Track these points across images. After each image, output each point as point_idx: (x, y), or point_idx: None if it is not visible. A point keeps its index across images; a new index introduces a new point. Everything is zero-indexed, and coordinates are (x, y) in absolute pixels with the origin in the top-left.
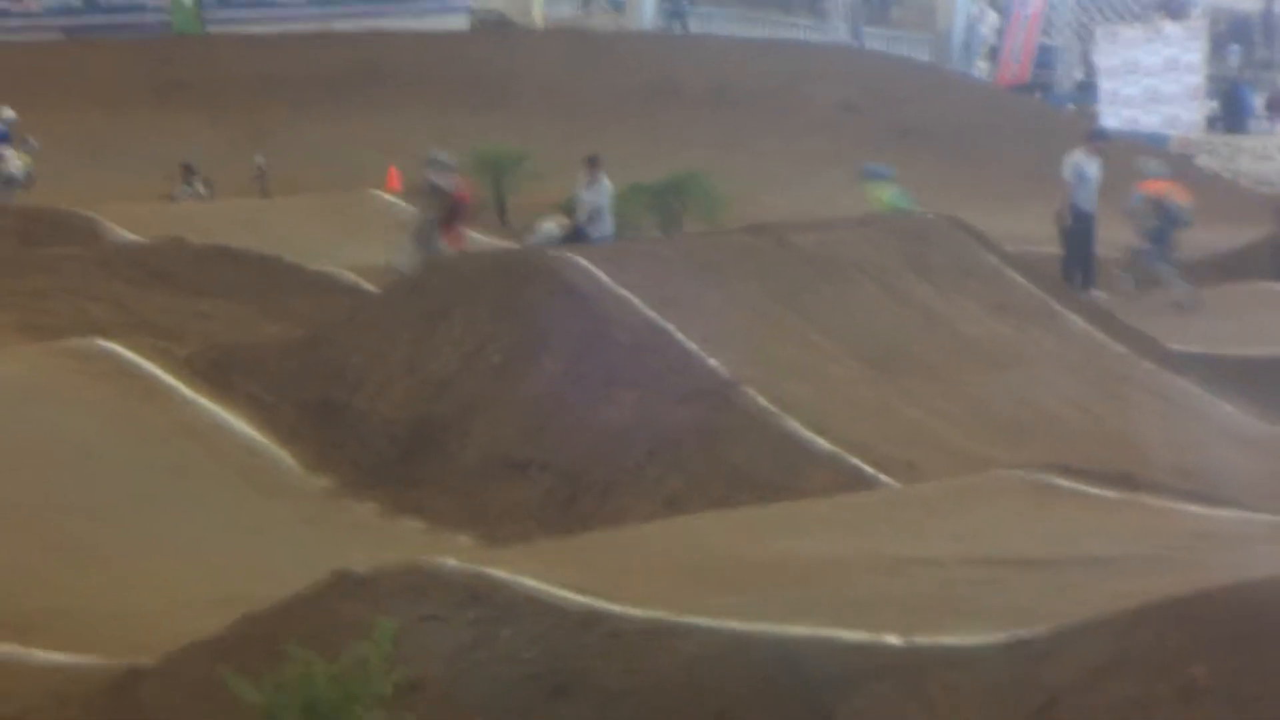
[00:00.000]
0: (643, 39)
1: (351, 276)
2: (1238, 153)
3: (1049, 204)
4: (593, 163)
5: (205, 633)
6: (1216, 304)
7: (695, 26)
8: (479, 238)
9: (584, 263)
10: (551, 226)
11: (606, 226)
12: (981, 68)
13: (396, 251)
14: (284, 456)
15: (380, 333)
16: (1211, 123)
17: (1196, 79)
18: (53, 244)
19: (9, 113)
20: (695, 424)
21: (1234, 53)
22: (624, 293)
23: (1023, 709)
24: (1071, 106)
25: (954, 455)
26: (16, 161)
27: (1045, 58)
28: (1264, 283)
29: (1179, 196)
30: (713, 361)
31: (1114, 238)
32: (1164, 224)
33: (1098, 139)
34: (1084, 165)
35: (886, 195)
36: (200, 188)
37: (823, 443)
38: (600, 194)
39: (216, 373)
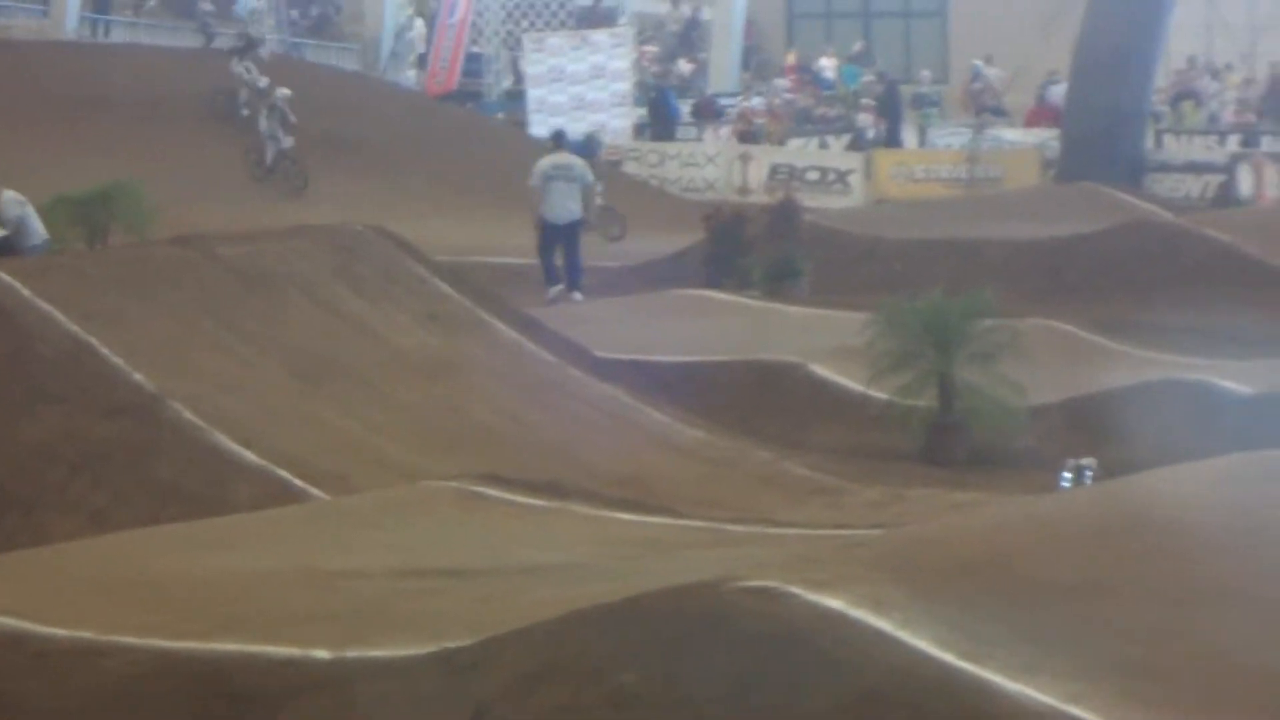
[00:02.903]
0: (68, 48)
1: None
2: (666, 159)
3: (479, 211)
4: None
5: None
6: (645, 310)
7: (119, 35)
8: None
9: (2, 277)
10: None
11: (35, 238)
12: (410, 76)
13: None
14: None
15: None
16: (640, 129)
17: (624, 86)
18: None
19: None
20: (121, 439)
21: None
22: (46, 307)
23: (452, 719)
24: (501, 115)
25: (386, 467)
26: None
27: (474, 66)
28: (693, 289)
29: None
30: (138, 376)
31: None
32: None
33: (561, 144)
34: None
35: None
36: None
37: (251, 456)
38: (12, 208)
39: None
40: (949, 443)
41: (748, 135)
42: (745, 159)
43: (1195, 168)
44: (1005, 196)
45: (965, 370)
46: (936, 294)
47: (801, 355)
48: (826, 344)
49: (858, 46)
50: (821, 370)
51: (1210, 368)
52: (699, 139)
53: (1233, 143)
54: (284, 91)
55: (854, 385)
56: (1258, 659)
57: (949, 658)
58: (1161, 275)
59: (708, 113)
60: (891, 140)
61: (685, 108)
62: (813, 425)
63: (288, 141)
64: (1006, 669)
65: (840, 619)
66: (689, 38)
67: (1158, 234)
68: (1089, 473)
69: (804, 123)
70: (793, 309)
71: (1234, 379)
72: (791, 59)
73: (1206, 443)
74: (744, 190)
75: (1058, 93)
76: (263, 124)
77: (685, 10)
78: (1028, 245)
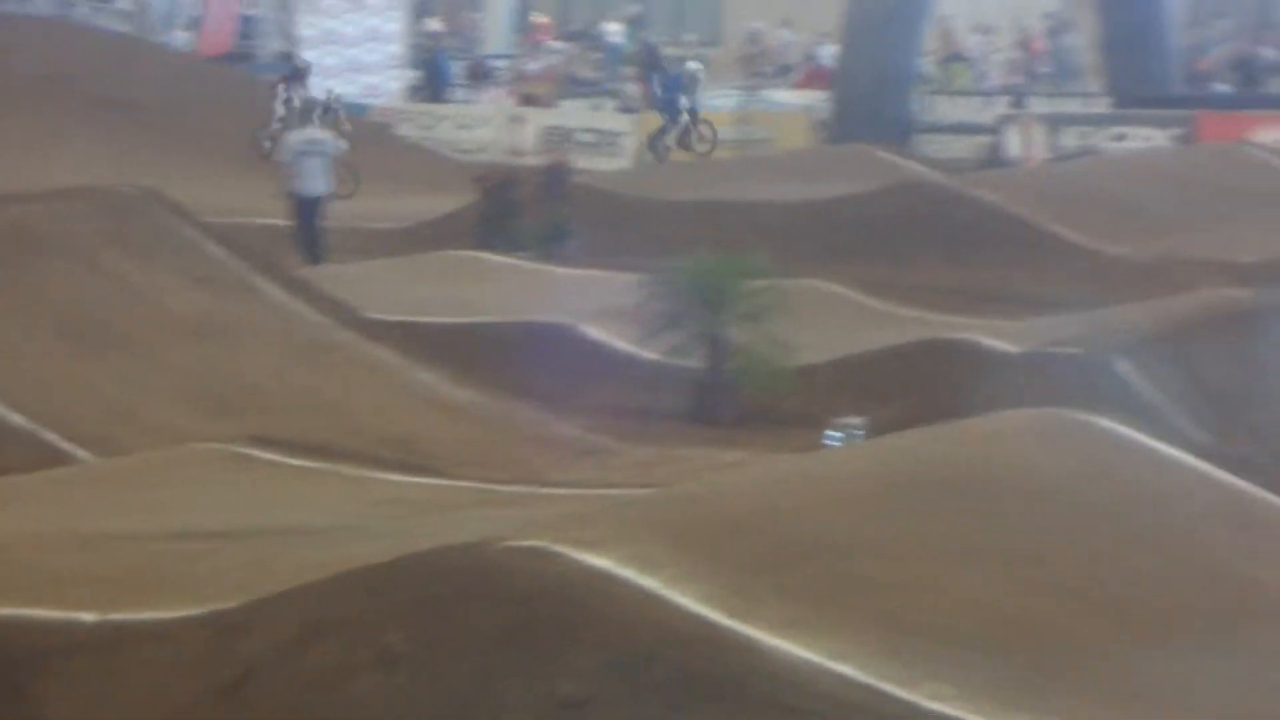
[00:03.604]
0: None
1: None
2: (439, 121)
3: (251, 174)
4: None
5: None
6: (416, 272)
7: None
8: None
9: None
10: None
11: None
12: (183, 38)
13: None
14: None
15: None
16: (413, 92)
17: (396, 48)
18: None
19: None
20: None
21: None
22: None
23: (220, 681)
24: (275, 77)
25: (156, 430)
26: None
27: (247, 27)
28: (464, 251)
29: None
30: None
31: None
32: None
33: (309, 118)
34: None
35: None
36: None
37: (18, 419)
38: None
39: None
40: (718, 403)
41: (532, 98)
42: (518, 121)
43: (964, 129)
44: (777, 158)
45: (735, 330)
46: (707, 255)
47: (572, 316)
48: (598, 305)
49: (634, 10)
50: (592, 331)
51: (978, 327)
52: (473, 101)
53: (1001, 104)
54: (338, 94)
55: (624, 346)
56: (1018, 610)
57: (715, 615)
58: (930, 236)
59: (480, 75)
60: (653, 103)
61: (459, 70)
62: (583, 386)
63: (340, 144)
64: (772, 626)
65: (607, 578)
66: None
67: (927, 195)
68: (857, 432)
69: (575, 85)
70: (564, 271)
71: (1000, 338)
72: (543, 20)
73: (973, 401)
74: (517, 152)
75: (828, 54)
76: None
77: None
78: (799, 206)
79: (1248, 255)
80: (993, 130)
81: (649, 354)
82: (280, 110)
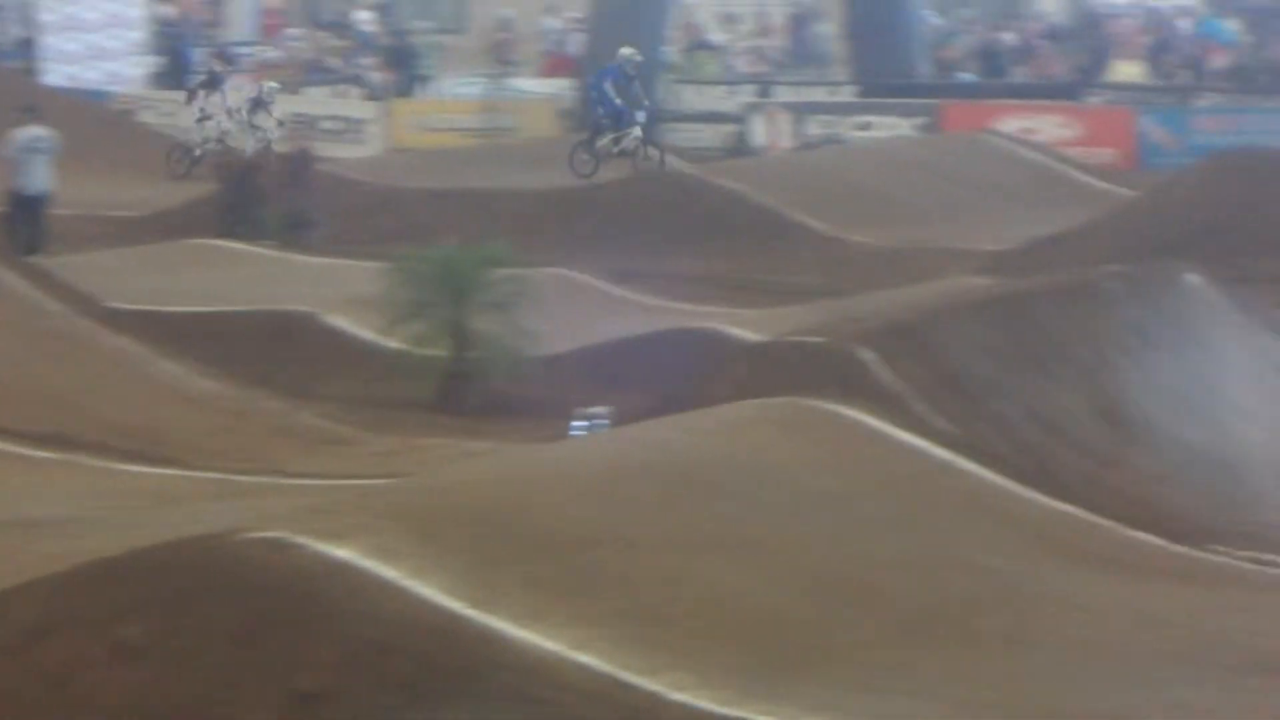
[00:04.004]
0: None
1: None
2: (180, 109)
3: None
4: None
5: None
6: (158, 260)
7: None
8: None
9: None
10: None
11: None
12: None
13: None
14: None
15: None
16: (155, 79)
17: (139, 35)
18: None
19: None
20: None
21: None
22: None
23: None
24: (16, 63)
25: None
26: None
27: None
28: (207, 239)
29: None
30: None
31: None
32: None
33: (31, 113)
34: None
35: None
36: None
37: None
38: None
39: None
40: (462, 392)
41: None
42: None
43: (710, 117)
44: (523, 146)
45: (479, 319)
46: (451, 243)
47: (315, 305)
48: (341, 294)
49: None
50: (335, 320)
51: (722, 316)
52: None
53: (747, 93)
54: (271, 84)
55: (367, 335)
56: (761, 602)
57: (456, 606)
58: (676, 225)
59: (224, 61)
60: (402, 90)
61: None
62: (326, 375)
63: (276, 134)
64: (514, 617)
65: (348, 569)
66: None
67: (672, 184)
68: (601, 421)
69: (319, 73)
70: (307, 259)
71: (744, 327)
72: (276, 3)
73: (716, 391)
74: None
75: (574, 42)
76: (240, 119)
77: None
78: (544, 195)
79: (991, 243)
80: (738, 119)
81: (392, 343)
82: (200, 121)
